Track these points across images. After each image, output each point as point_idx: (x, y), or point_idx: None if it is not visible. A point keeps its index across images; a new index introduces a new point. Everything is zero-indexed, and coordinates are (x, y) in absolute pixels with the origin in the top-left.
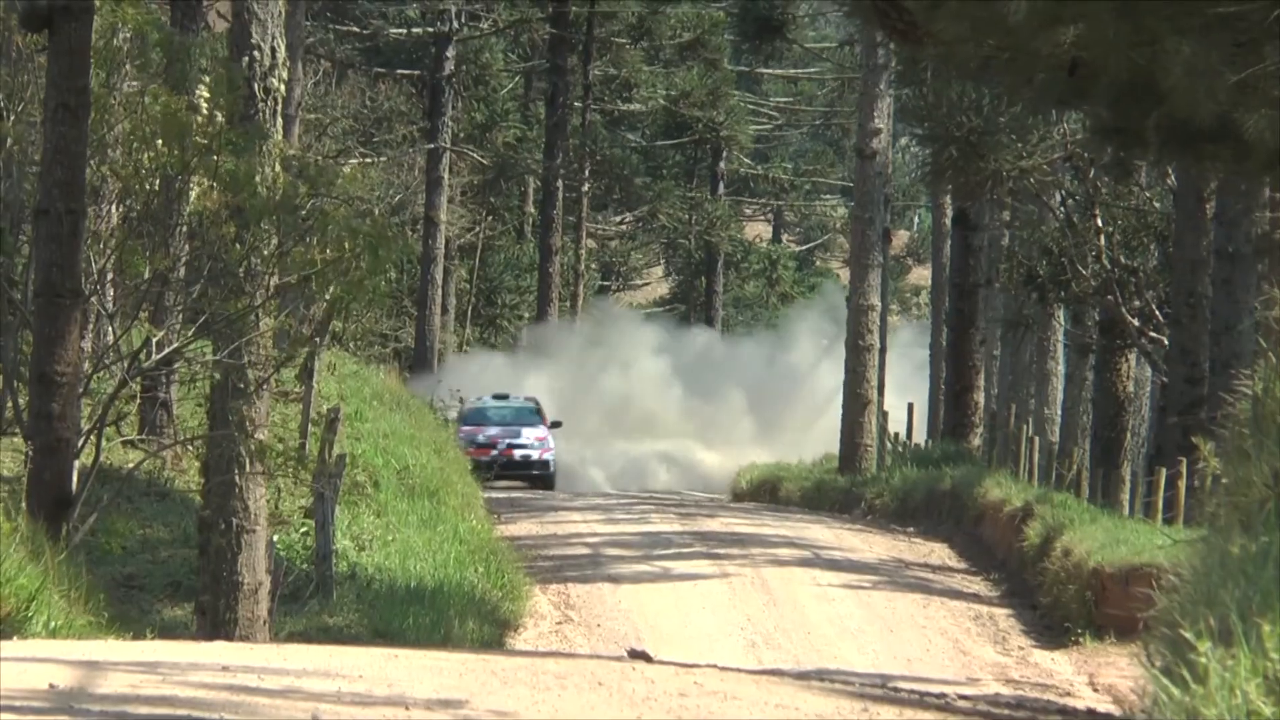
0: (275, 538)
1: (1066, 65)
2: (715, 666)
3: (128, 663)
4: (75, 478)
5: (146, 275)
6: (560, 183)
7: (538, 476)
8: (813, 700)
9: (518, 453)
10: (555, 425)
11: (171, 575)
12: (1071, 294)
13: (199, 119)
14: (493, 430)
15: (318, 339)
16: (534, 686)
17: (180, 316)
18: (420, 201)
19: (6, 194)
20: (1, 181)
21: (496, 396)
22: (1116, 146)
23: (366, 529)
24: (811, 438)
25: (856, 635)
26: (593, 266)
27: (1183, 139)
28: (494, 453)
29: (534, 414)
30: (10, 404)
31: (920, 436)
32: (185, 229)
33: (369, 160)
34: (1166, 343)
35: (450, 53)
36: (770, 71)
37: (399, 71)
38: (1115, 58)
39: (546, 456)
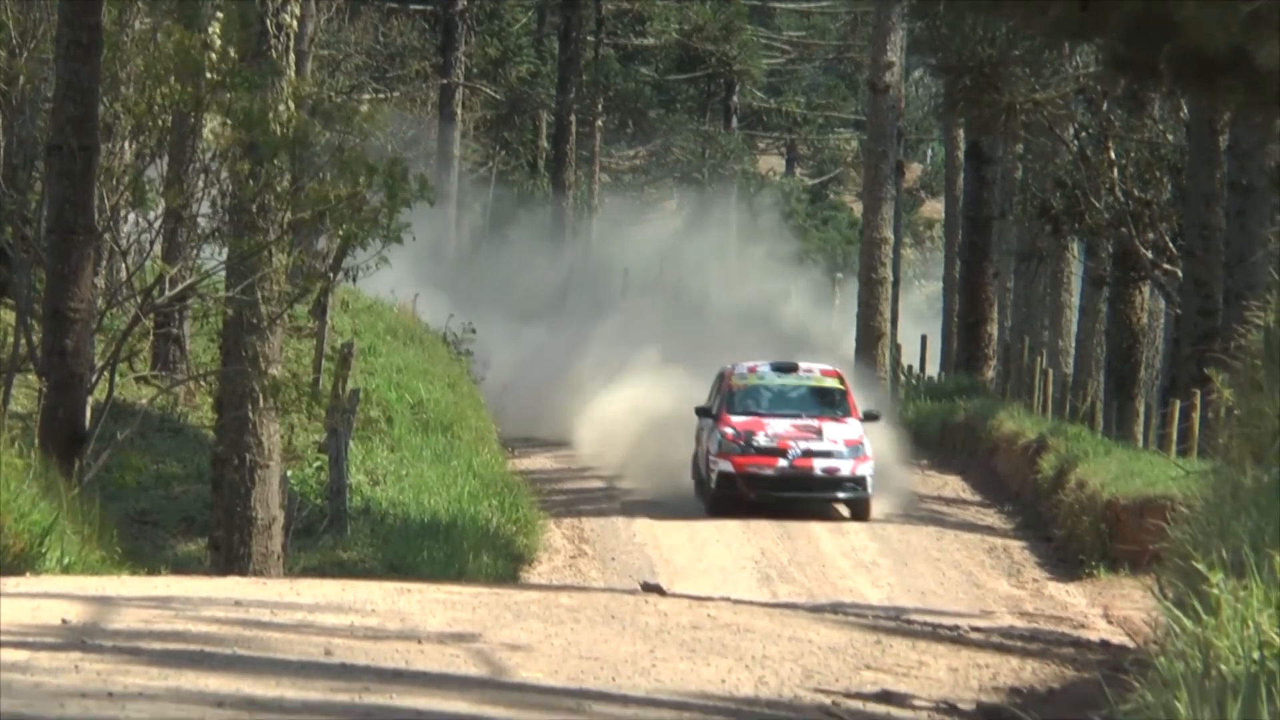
0: (289, 473)
1: None
2: (728, 600)
3: (140, 598)
4: (89, 414)
5: (160, 211)
6: (573, 117)
7: (848, 500)
8: (826, 633)
9: (819, 464)
10: (871, 417)
11: (185, 511)
12: (1085, 226)
13: (212, 56)
14: (778, 426)
15: (331, 275)
16: (547, 620)
17: (194, 253)
18: (433, 137)
19: (20, 131)
20: (15, 118)
21: (778, 368)
22: (1130, 79)
23: (380, 464)
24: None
25: (870, 568)
26: (605, 200)
27: (1196, 71)
28: (781, 463)
29: (840, 399)
30: (24, 340)
31: (934, 369)
32: (199, 166)
33: (382, 96)
34: (1180, 275)
35: None
36: (783, 5)
37: (412, 6)
38: None
39: (861, 470)
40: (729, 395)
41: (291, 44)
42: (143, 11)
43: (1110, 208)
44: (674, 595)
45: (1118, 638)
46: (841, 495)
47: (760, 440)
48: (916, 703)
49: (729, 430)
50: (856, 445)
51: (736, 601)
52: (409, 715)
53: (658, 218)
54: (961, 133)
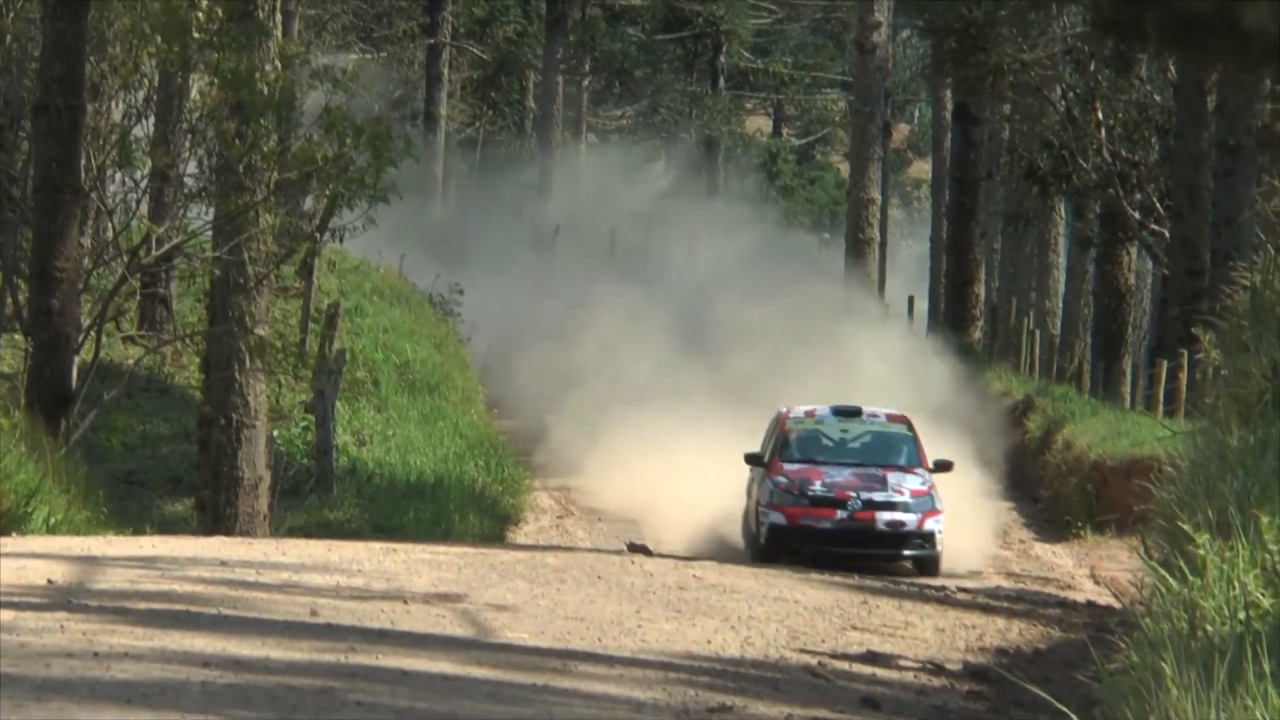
0: (275, 433)
1: None
2: (714, 560)
3: (126, 558)
4: (75, 374)
5: (146, 171)
6: (560, 77)
7: (915, 558)
8: (812, 593)
9: (882, 517)
10: (943, 467)
11: (171, 471)
12: (1072, 187)
13: (199, 15)
14: (837, 475)
15: (318, 235)
16: (533, 580)
17: (181, 212)
18: (420, 97)
19: (6, 90)
20: (1, 78)
21: (839, 412)
22: (1117, 39)
23: (367, 424)
24: None
25: None
26: (592, 160)
27: (1183, 31)
28: (840, 515)
29: (908, 447)
30: (10, 300)
31: (921, 330)
32: (185, 125)
33: (369, 56)
34: (1167, 236)
35: None
36: None
37: None
38: None
39: (930, 525)
40: (783, 441)
41: (278, 4)
42: None
43: (1098, 168)
44: (660, 555)
45: (1104, 598)
46: (907, 553)
47: (816, 489)
48: (903, 663)
49: (781, 479)
50: (925, 497)
51: (722, 562)
52: (394, 675)
53: (645, 179)
54: (949, 93)
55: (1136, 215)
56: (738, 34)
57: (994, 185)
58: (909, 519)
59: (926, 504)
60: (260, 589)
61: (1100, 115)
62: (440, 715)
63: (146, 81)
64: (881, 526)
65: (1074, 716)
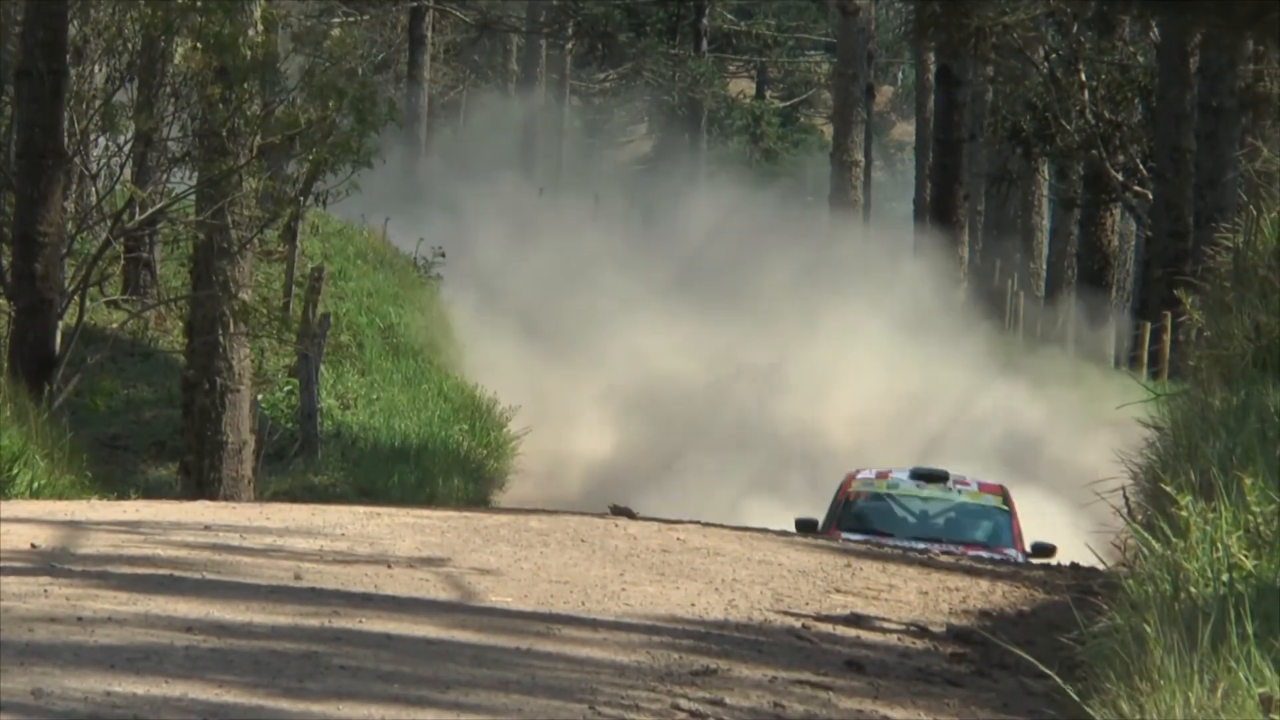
0: (260, 398)
1: None
2: (698, 523)
3: (110, 523)
4: (59, 338)
5: (130, 136)
6: (543, 41)
7: None
8: (796, 556)
9: None
10: (1044, 551)
11: (155, 435)
12: (1056, 148)
13: None
14: None
15: (301, 199)
16: (516, 544)
17: (164, 177)
18: (403, 60)
19: None
20: None
21: (920, 476)
22: (1100, 1)
23: (351, 388)
24: None
25: None
26: (576, 124)
27: None
28: None
29: (1000, 525)
30: None
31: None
32: (169, 90)
33: (351, 19)
34: (1151, 197)
35: None
36: None
37: None
38: None
39: None
40: (843, 506)
41: None
42: None
43: (1081, 130)
44: (644, 519)
45: (1087, 560)
46: None
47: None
48: (886, 625)
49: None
50: None
51: (706, 524)
52: (378, 639)
53: (628, 141)
54: (932, 56)
55: (1120, 177)
56: None
57: (977, 147)
58: None
59: None
60: (244, 553)
61: (1083, 77)
62: (424, 678)
63: (129, 46)
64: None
65: (1057, 678)
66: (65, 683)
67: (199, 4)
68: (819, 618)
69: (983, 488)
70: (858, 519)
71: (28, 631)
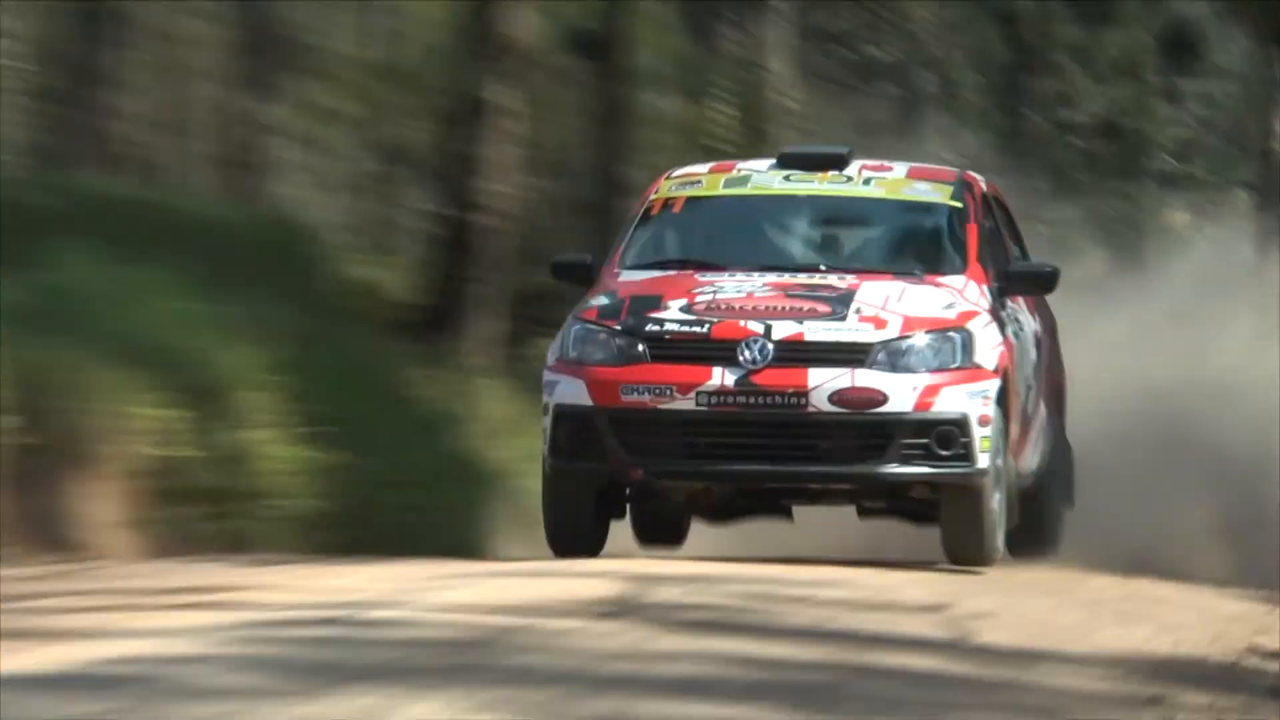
0: None
1: None
2: (1149, 577)
3: (670, 576)
4: None
5: None
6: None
7: (940, 479)
8: (1229, 604)
9: (825, 377)
10: (1041, 283)
11: None
12: None
13: None
14: (740, 287)
15: None
16: (1007, 594)
17: None
18: None
19: None
20: None
21: (793, 161)
22: None
23: None
24: None
25: None
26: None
27: None
28: (725, 376)
29: (942, 230)
30: None
31: None
32: None
33: None
34: None
35: None
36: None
37: None
38: None
39: (955, 400)
40: (637, 225)
41: None
42: None
43: None
44: (1103, 574)
45: None
46: (892, 470)
47: (674, 315)
48: None
49: (604, 299)
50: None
51: (1155, 580)
52: (887, 672)
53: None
54: None
55: None
56: (1160, 142)
57: None
58: (899, 386)
59: (955, 350)
60: (778, 601)
61: None
62: (926, 703)
63: None
64: (825, 403)
65: None
66: (636, 707)
67: None
68: (1248, 652)
69: (918, 174)
70: (661, 240)
71: (607, 665)
